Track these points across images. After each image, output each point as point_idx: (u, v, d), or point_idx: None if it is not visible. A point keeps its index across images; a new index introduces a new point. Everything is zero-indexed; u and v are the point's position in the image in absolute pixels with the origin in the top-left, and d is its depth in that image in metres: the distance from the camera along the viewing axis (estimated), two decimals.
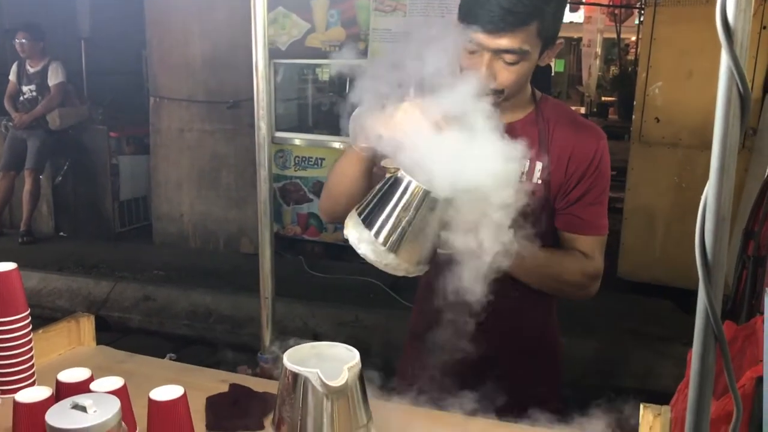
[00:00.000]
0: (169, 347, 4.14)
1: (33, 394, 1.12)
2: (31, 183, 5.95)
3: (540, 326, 1.65)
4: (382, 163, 1.27)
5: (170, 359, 3.53)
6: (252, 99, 1.87)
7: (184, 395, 1.13)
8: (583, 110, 15.02)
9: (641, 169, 4.83)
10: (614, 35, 15.12)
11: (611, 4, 14.31)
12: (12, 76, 6.07)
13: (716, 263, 0.67)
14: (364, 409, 1.11)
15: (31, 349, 1.36)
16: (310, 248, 5.64)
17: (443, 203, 1.17)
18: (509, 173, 1.18)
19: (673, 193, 4.70)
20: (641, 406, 1.24)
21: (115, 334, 4.40)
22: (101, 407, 1.00)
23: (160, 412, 1.11)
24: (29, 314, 1.35)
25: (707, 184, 0.67)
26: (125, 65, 7.53)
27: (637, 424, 1.24)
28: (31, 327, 1.36)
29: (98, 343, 1.67)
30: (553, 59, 1.47)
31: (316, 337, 3.57)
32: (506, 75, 1.34)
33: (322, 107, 5.88)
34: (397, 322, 3.81)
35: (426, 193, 1.17)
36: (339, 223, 1.38)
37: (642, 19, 9.20)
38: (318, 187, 5.32)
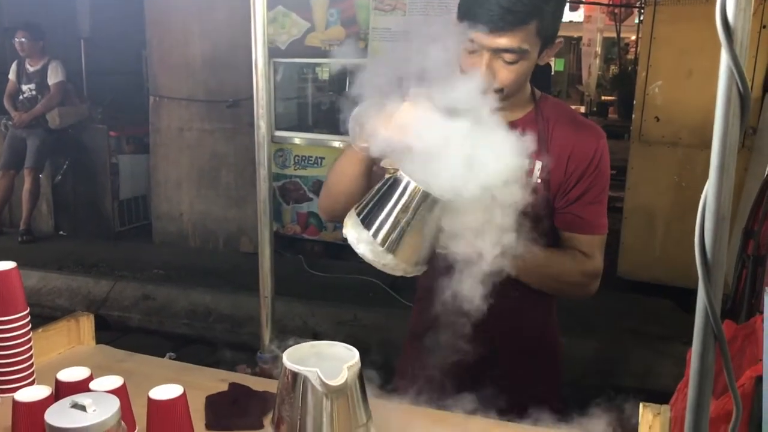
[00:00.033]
0: (168, 346, 4.15)
1: (32, 393, 1.12)
2: (31, 182, 5.95)
3: (540, 326, 1.65)
4: (382, 164, 1.27)
5: (170, 358, 3.53)
6: (252, 98, 1.87)
7: (184, 394, 1.12)
8: (582, 109, 15.03)
9: (641, 168, 4.83)
10: (614, 34, 15.13)
11: (611, 3, 14.31)
12: (11, 75, 6.06)
13: (716, 262, 0.67)
14: (364, 408, 1.11)
15: (30, 348, 1.35)
16: (309, 247, 5.64)
17: (442, 204, 1.17)
18: (509, 173, 1.17)
19: (673, 192, 4.70)
20: (641, 405, 1.24)
21: (114, 333, 4.40)
22: (101, 406, 1.00)
23: (159, 411, 1.11)
24: (29, 313, 1.35)
25: (707, 183, 0.67)
26: (125, 65, 7.53)
27: (637, 423, 1.24)
28: (30, 326, 1.36)
29: (98, 342, 1.67)
30: (553, 58, 1.48)
31: (316, 336, 3.57)
32: (506, 74, 1.34)
33: (322, 106, 5.88)
34: (396, 322, 3.81)
35: (425, 194, 1.17)
36: (338, 221, 1.38)
37: (642, 18, 9.21)
38: (317, 186, 5.32)
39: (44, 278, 5.09)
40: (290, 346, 1.14)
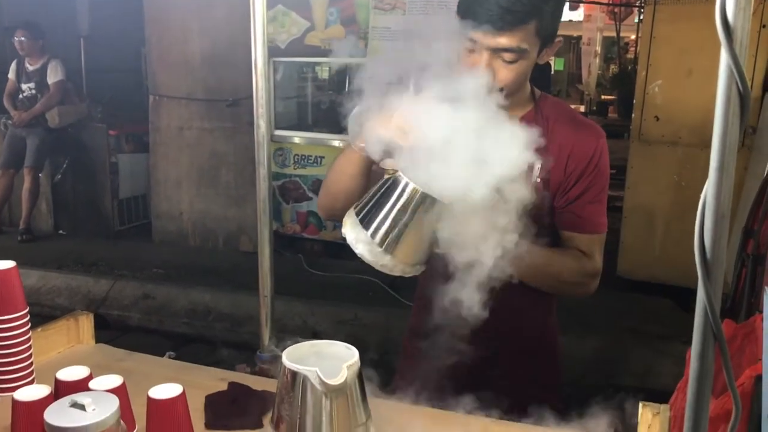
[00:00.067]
0: (168, 345, 4.15)
1: (32, 393, 1.12)
2: (31, 181, 5.95)
3: (539, 325, 1.65)
4: (381, 164, 1.26)
5: (169, 357, 3.54)
6: (251, 97, 1.87)
7: (183, 394, 1.12)
8: (582, 109, 15.04)
9: (641, 167, 4.83)
10: (614, 33, 15.13)
11: (611, 2, 14.31)
12: (11, 74, 6.06)
13: (715, 261, 0.67)
14: (363, 407, 1.11)
15: (29, 348, 1.35)
16: (309, 246, 5.64)
17: (441, 205, 1.17)
18: (509, 174, 1.17)
19: (673, 191, 4.70)
20: (640, 404, 1.24)
21: (114, 332, 4.40)
22: (100, 406, 1.00)
23: (158, 410, 1.11)
24: (28, 312, 1.35)
25: (707, 183, 0.67)
26: (124, 63, 7.53)
27: (636, 422, 1.24)
28: (30, 325, 1.36)
29: (97, 341, 1.67)
30: (553, 57, 1.48)
31: (315, 336, 3.57)
32: (505, 73, 1.34)
33: (322, 105, 5.88)
34: (396, 321, 3.82)
35: (423, 196, 1.17)
36: (337, 220, 1.38)
37: (642, 17, 9.20)
38: (317, 186, 5.32)
39: (44, 277, 5.09)
40: (290, 345, 1.14)
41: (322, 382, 1.03)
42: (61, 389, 1.16)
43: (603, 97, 15.76)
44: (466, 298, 1.23)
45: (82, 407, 0.99)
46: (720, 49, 0.64)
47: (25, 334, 1.34)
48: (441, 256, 1.24)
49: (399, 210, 1.18)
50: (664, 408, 1.22)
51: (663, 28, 4.58)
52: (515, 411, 1.34)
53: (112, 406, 1.01)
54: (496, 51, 1.31)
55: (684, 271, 3.95)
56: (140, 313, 4.77)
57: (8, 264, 1.31)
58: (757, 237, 2.72)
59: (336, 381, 1.03)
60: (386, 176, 1.23)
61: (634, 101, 4.84)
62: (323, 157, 5.38)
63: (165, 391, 1.12)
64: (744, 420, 1.43)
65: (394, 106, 1.22)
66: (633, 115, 4.89)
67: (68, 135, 6.14)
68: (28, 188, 5.95)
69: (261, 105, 1.86)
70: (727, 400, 1.50)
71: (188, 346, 4.33)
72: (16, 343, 1.31)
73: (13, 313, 1.31)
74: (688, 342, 0.70)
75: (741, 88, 0.63)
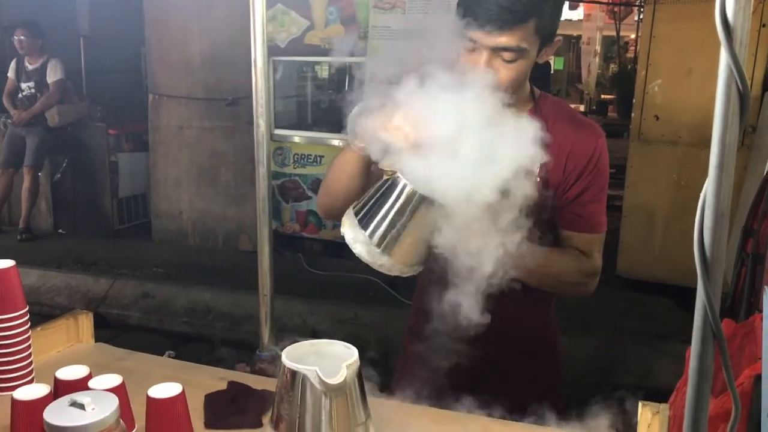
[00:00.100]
0: (167, 344, 4.15)
1: (31, 392, 1.12)
2: (30, 180, 5.94)
3: (539, 325, 1.65)
4: (380, 165, 1.26)
5: (169, 356, 3.54)
6: (251, 96, 1.87)
7: (183, 393, 1.12)
8: (582, 108, 15.04)
9: (640, 166, 4.83)
10: (614, 33, 15.13)
11: (611, 1, 14.31)
12: (11, 73, 6.06)
13: (715, 261, 0.67)
14: (363, 406, 1.11)
15: (29, 347, 1.35)
16: (308, 245, 5.64)
17: (439, 207, 1.17)
18: (508, 174, 1.17)
19: (673, 190, 4.70)
20: (640, 403, 1.24)
21: (113, 331, 4.41)
22: (99, 405, 1.00)
23: (158, 409, 1.11)
24: (28, 311, 1.35)
25: (706, 182, 0.67)
26: (124, 63, 7.52)
27: (636, 422, 1.24)
28: (29, 324, 1.36)
29: (97, 340, 1.67)
30: (553, 57, 1.48)
31: (315, 335, 3.57)
32: (505, 73, 1.34)
33: (321, 104, 5.88)
34: (396, 320, 3.82)
35: (422, 198, 1.17)
36: (336, 219, 1.38)
37: (641, 16, 9.20)
38: (317, 185, 5.31)
39: (43, 276, 5.09)
40: (289, 344, 1.14)
41: (322, 382, 1.03)
42: (61, 388, 1.16)
43: (603, 96, 15.76)
44: (465, 298, 1.23)
45: (81, 406, 0.99)
46: (720, 48, 0.64)
47: (25, 333, 1.34)
48: (439, 257, 1.24)
49: (397, 211, 1.18)
50: (663, 407, 1.22)
51: (663, 27, 4.58)
52: (515, 411, 1.34)
53: (111, 405, 1.01)
54: (495, 50, 1.31)
55: (683, 271, 3.94)
56: (140, 312, 4.77)
57: (8, 263, 1.31)
58: (756, 236, 2.72)
59: (335, 380, 1.03)
60: (385, 177, 1.23)
61: (634, 100, 4.84)
62: (323, 157, 5.38)
63: (164, 390, 1.12)
64: (743, 419, 1.42)
65: (393, 107, 1.22)
66: (633, 114, 4.89)
67: (68, 134, 6.13)
68: (28, 187, 5.94)
69: (260, 104, 1.86)
70: (726, 399, 1.50)
71: (188, 345, 4.33)
72: (15, 342, 1.32)
73: (13, 312, 1.31)
74: (688, 341, 0.70)
75: (741, 88, 0.63)
